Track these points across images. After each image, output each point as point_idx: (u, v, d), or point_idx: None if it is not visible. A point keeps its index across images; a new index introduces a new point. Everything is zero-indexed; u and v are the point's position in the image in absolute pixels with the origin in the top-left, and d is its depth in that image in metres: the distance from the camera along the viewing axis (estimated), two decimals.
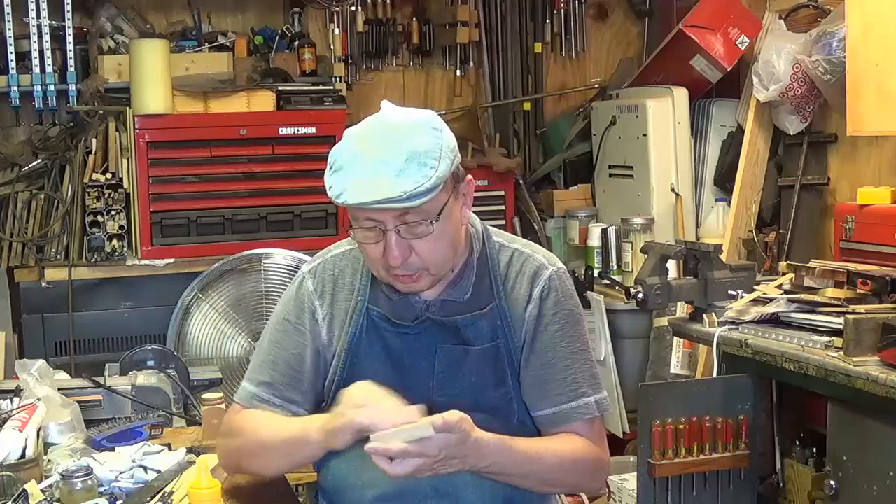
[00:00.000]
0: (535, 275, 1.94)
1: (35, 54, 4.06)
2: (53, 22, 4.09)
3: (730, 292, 3.03)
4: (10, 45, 4.05)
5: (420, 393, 1.90)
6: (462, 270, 1.93)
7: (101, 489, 1.94)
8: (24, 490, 1.86)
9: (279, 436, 1.88)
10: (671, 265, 3.26)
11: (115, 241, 3.95)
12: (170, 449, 2.14)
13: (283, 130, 4.10)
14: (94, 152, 3.99)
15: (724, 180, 4.26)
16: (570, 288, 1.99)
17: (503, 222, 4.59)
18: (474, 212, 1.97)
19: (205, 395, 2.44)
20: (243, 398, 1.97)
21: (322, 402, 1.97)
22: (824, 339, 2.69)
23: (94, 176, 3.95)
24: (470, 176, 1.88)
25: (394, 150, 1.74)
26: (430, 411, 1.91)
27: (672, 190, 4.28)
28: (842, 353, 2.59)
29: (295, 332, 1.95)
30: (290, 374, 1.94)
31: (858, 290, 2.82)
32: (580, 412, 1.94)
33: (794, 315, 2.85)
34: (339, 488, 1.95)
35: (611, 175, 4.58)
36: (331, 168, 1.79)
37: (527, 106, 5.02)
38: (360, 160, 1.76)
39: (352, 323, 1.93)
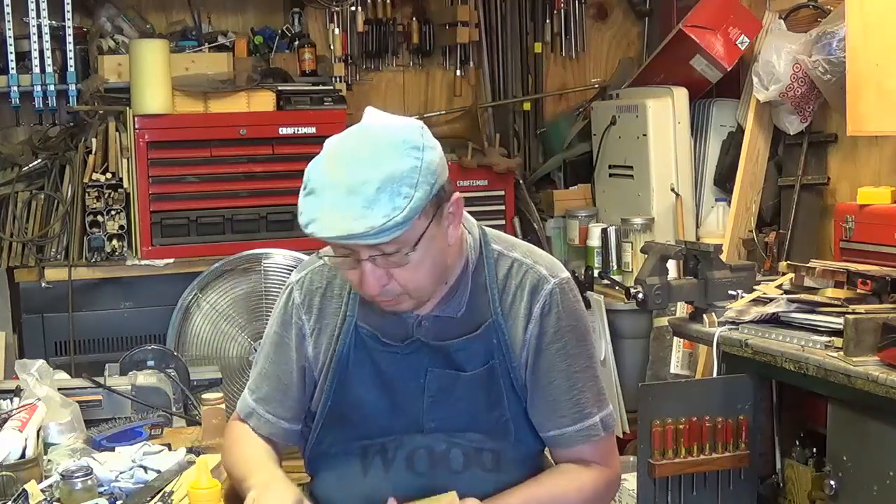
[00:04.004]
0: (535, 289, 1.84)
1: (35, 54, 4.06)
2: (53, 22, 4.09)
3: (730, 292, 3.03)
4: (10, 45, 4.05)
5: (411, 416, 1.86)
6: (456, 284, 1.83)
7: (101, 489, 1.94)
8: (24, 490, 1.86)
9: (234, 470, 1.89)
10: (671, 265, 3.26)
11: (115, 241, 3.95)
12: (170, 449, 2.14)
13: (283, 130, 4.10)
14: (94, 152, 3.99)
15: (724, 180, 4.26)
16: (572, 301, 1.87)
17: (503, 222, 4.59)
18: (474, 213, 1.89)
19: (205, 395, 2.45)
20: (242, 409, 1.97)
21: (312, 417, 1.92)
22: (824, 339, 2.69)
23: (94, 176, 3.95)
24: (458, 194, 1.74)
25: (365, 176, 1.62)
26: (422, 431, 1.86)
27: (672, 190, 4.28)
28: (842, 353, 2.59)
29: (284, 346, 1.91)
30: (280, 389, 1.91)
31: (858, 290, 2.82)
32: (585, 434, 1.87)
33: (794, 315, 2.85)
34: (329, 499, 1.92)
35: (611, 175, 4.58)
36: (304, 188, 1.68)
37: (527, 106, 5.03)
38: (330, 187, 1.64)
39: (339, 340, 1.85)
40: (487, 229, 1.92)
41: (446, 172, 1.71)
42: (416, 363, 1.84)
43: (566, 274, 1.90)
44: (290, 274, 3.81)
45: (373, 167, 1.62)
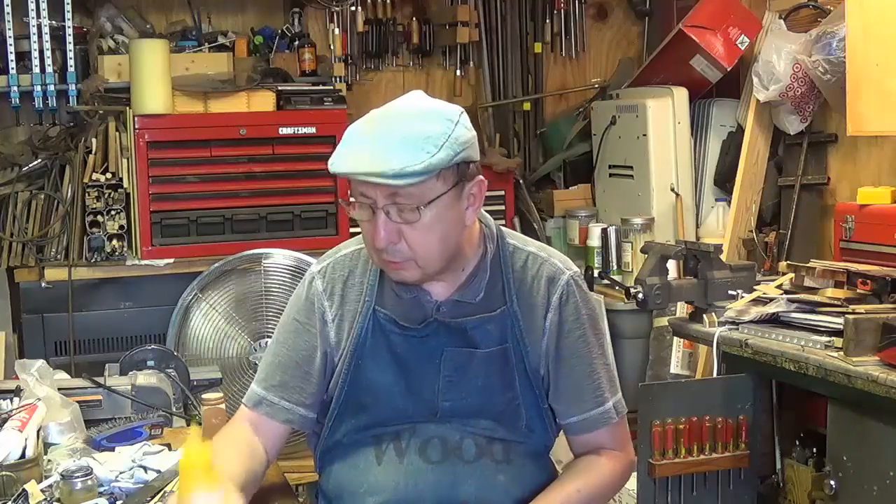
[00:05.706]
0: (552, 280, 1.92)
1: (35, 54, 4.06)
2: (53, 22, 4.09)
3: (730, 292, 3.03)
4: (10, 45, 4.05)
5: (426, 397, 1.90)
6: (475, 271, 1.90)
7: (101, 489, 1.94)
8: (24, 490, 1.86)
9: None
10: (671, 265, 3.26)
11: (115, 241, 3.95)
12: (170, 449, 2.14)
13: (283, 130, 4.09)
14: (94, 152, 3.99)
15: (724, 180, 4.26)
16: (586, 291, 1.97)
17: (503, 222, 4.59)
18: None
19: (205, 395, 2.44)
20: (250, 400, 1.96)
21: (329, 404, 1.94)
22: (824, 339, 2.69)
23: (94, 176, 3.95)
24: (481, 177, 1.84)
25: (396, 130, 1.72)
26: (436, 415, 1.90)
27: (672, 190, 4.28)
28: (842, 353, 2.59)
29: (305, 333, 1.94)
30: (299, 376, 1.92)
31: (858, 290, 2.82)
32: (604, 419, 1.94)
33: (794, 315, 2.85)
34: (340, 493, 1.93)
35: (611, 175, 4.58)
36: (341, 141, 1.79)
37: (527, 106, 5.03)
38: (363, 135, 1.75)
39: (359, 324, 1.90)
40: (502, 227, 2.00)
41: (476, 155, 1.81)
42: (433, 345, 1.89)
43: (576, 268, 1.99)
44: (290, 274, 3.89)
45: (404, 125, 1.73)
